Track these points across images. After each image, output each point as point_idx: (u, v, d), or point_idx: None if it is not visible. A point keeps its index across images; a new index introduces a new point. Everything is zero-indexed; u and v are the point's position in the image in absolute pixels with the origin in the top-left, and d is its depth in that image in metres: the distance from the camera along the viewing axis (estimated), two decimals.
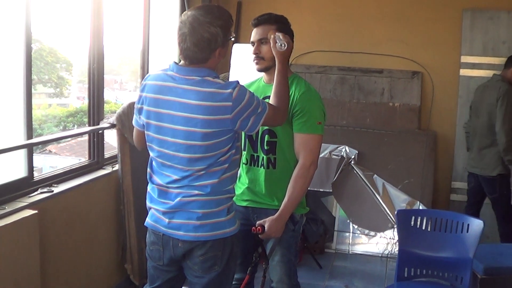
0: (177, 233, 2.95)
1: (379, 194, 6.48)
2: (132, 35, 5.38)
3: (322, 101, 3.52)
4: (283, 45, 3.31)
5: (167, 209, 2.97)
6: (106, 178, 4.77)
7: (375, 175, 6.56)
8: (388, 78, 6.90)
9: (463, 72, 6.76)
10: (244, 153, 3.66)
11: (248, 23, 3.42)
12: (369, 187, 6.50)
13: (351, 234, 6.62)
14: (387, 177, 6.57)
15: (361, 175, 6.54)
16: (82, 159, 5.03)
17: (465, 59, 6.74)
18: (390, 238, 6.48)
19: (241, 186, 3.68)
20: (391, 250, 6.44)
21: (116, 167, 4.93)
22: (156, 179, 3.03)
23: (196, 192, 2.91)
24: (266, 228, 3.38)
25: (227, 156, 2.94)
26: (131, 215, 4.92)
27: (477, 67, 6.71)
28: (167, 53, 6.24)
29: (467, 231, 4.24)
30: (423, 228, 4.41)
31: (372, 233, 6.56)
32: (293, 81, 3.50)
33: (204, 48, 2.87)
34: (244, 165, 3.66)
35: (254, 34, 3.50)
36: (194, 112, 2.82)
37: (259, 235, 3.42)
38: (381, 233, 6.53)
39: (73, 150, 5.92)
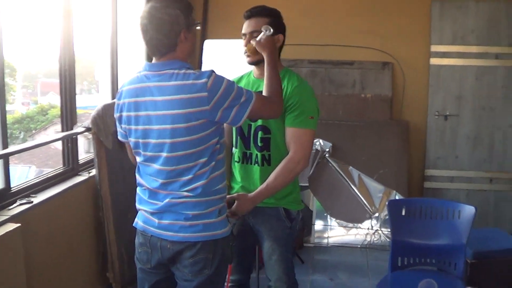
0: (166, 234, 2.89)
1: (355, 185, 6.49)
2: (82, 36, 5.22)
3: (315, 96, 3.47)
4: (267, 30, 3.25)
5: (155, 210, 2.91)
6: (83, 185, 4.67)
7: (351, 167, 6.58)
8: (359, 70, 6.90)
9: (433, 61, 6.80)
10: (236, 150, 3.59)
11: (216, 19, 3.32)
12: (345, 179, 6.51)
13: (329, 226, 6.61)
14: (362, 168, 6.58)
15: (336, 168, 6.54)
16: (32, 166, 4.91)
17: (435, 48, 6.77)
18: (368, 229, 6.50)
19: (234, 186, 3.62)
20: (371, 241, 6.46)
21: (93, 172, 4.83)
22: (145, 183, 2.97)
23: (186, 194, 2.85)
24: (235, 205, 3.32)
25: (213, 152, 2.86)
26: (110, 221, 4.83)
27: (447, 55, 6.76)
28: (135, 55, 6.14)
29: (459, 218, 4.28)
30: (415, 217, 4.44)
31: (350, 224, 6.57)
32: (285, 75, 3.44)
33: (167, 32, 2.80)
34: (236, 163, 3.60)
35: (246, 27, 3.43)
36: (170, 108, 2.75)
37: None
38: (360, 224, 6.55)
39: (20, 158, 5.76)
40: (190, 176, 2.83)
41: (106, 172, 4.77)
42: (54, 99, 5.10)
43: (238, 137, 3.55)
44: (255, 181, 3.49)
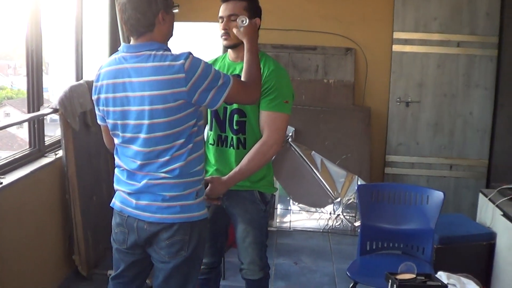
0: (144, 214, 2.90)
1: (318, 170, 6.54)
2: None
3: (290, 81, 3.49)
4: (243, 21, 3.25)
5: (133, 190, 2.92)
6: (50, 167, 4.63)
7: (313, 152, 6.62)
8: (322, 55, 6.93)
9: (396, 48, 6.87)
10: (210, 133, 3.60)
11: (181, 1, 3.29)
12: (307, 164, 6.55)
13: (291, 211, 6.66)
14: (325, 153, 6.63)
15: (299, 152, 6.58)
16: None
17: (397, 35, 6.84)
18: (330, 213, 6.56)
19: (209, 169, 3.62)
20: (332, 225, 6.53)
21: (59, 154, 4.78)
22: (123, 165, 2.97)
23: (163, 175, 2.85)
24: (209, 188, 3.33)
25: (190, 134, 2.87)
26: (77, 204, 4.80)
27: (409, 42, 6.83)
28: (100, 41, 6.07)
29: (427, 203, 4.35)
30: (384, 202, 4.50)
31: (313, 209, 6.62)
32: (261, 59, 3.43)
33: (145, 11, 2.79)
34: (211, 145, 3.60)
35: (223, 10, 3.42)
36: (148, 89, 2.75)
37: None
38: (322, 208, 6.61)
39: None
40: (167, 158, 2.84)
41: (73, 154, 4.73)
42: (2, 81, 5.00)
43: (213, 120, 3.56)
44: (231, 164, 3.51)
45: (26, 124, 4.70)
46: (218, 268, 3.99)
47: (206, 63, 2.82)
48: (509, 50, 6.65)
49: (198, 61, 2.79)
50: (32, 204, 4.31)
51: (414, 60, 6.84)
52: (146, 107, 2.77)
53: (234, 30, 3.32)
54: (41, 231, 4.48)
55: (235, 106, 3.43)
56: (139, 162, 2.88)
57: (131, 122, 2.84)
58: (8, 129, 4.49)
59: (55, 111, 4.60)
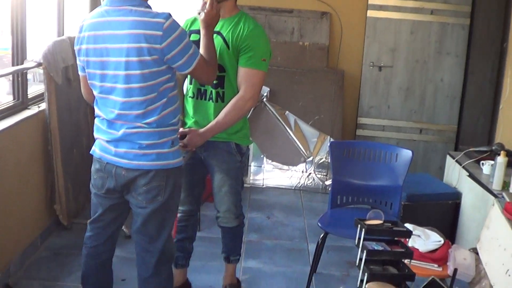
0: (121, 161, 3.07)
1: (291, 129, 6.73)
2: None
3: (268, 40, 3.65)
4: (200, 13, 3.39)
5: (112, 139, 3.09)
6: (33, 119, 4.72)
7: (287, 112, 6.81)
8: (298, 18, 7.06)
9: (370, 13, 7.00)
10: (190, 86, 3.76)
11: None
12: (281, 123, 6.74)
13: (264, 169, 6.84)
14: (299, 113, 6.83)
15: (273, 112, 6.75)
16: None
17: (372, 0, 6.97)
18: (302, 172, 6.76)
19: (187, 121, 3.80)
20: (304, 183, 6.73)
21: (42, 106, 4.89)
22: (102, 114, 3.12)
23: (139, 125, 3.02)
24: (187, 138, 3.53)
25: (164, 88, 3.03)
26: (58, 155, 4.92)
27: (384, 8, 6.97)
28: None
29: (396, 161, 4.53)
30: (354, 158, 4.67)
31: (285, 167, 6.82)
32: (240, 18, 3.62)
33: None
34: (190, 98, 3.77)
35: None
36: (126, 42, 2.90)
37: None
38: (294, 167, 6.81)
39: None
40: (142, 111, 3.00)
41: (55, 107, 4.84)
42: None
43: None
44: (209, 116, 3.68)
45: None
46: (196, 216, 4.18)
47: (183, 29, 2.99)
48: (481, 19, 6.83)
49: (176, 24, 2.95)
50: (15, 155, 4.41)
51: (388, 26, 6.99)
52: (123, 59, 2.92)
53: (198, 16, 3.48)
54: (24, 182, 4.59)
55: None
56: (116, 112, 3.04)
57: (110, 72, 3.00)
58: None
59: (38, 65, 4.71)
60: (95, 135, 3.21)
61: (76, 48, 3.13)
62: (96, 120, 3.21)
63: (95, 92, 3.13)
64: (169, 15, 2.93)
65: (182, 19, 3.22)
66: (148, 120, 3.00)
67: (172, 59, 2.95)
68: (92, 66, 3.06)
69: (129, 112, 3.01)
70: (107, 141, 3.11)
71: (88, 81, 3.15)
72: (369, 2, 6.97)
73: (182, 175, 3.29)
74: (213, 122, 3.60)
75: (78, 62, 3.19)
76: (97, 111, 3.17)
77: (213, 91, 3.65)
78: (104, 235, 3.35)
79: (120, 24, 2.92)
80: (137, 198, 3.13)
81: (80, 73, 3.25)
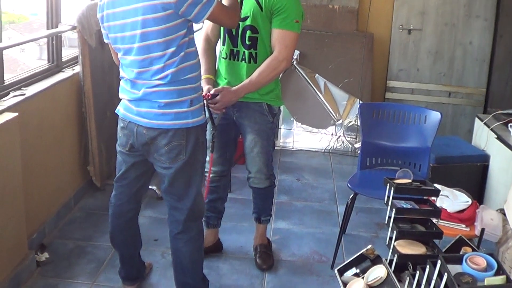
0: (142, 120, 3.18)
1: (321, 93, 6.77)
2: None
3: (300, 2, 3.70)
4: None
5: (133, 98, 3.20)
6: (68, 81, 4.82)
7: (317, 75, 6.85)
8: None
9: None
10: (223, 47, 3.83)
11: None
12: (311, 86, 6.78)
13: (294, 131, 6.91)
14: (328, 76, 6.86)
15: (303, 75, 6.79)
16: None
17: None
18: (332, 135, 6.81)
19: (220, 82, 3.87)
20: (334, 146, 6.79)
21: (76, 69, 4.99)
22: (125, 75, 3.24)
23: (157, 82, 3.10)
24: (220, 95, 3.61)
25: (181, 44, 3.09)
26: (92, 117, 5.03)
27: None
28: None
29: (425, 123, 4.57)
30: (384, 120, 4.72)
31: (315, 130, 6.88)
32: None
33: None
34: (223, 59, 3.84)
35: None
36: (141, 1, 2.99)
37: (209, 101, 3.63)
38: (324, 130, 6.88)
39: None
40: (161, 65, 3.08)
41: (89, 70, 4.94)
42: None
43: (226, 35, 3.79)
44: (241, 77, 3.76)
45: (29, 48, 4.84)
46: (228, 177, 4.27)
47: None
48: None
49: None
50: (51, 116, 4.54)
51: None
52: (139, 18, 3.01)
53: None
54: (59, 142, 4.72)
55: (248, 22, 3.66)
56: (135, 71, 3.15)
57: (127, 33, 3.09)
58: (10, 53, 4.63)
59: (73, 28, 4.80)
60: (120, 95, 3.34)
61: (98, 15, 3.24)
62: (121, 81, 3.33)
63: (119, 55, 3.25)
64: None
65: None
66: (165, 73, 3.09)
67: (187, 11, 3.01)
68: (113, 30, 3.16)
69: (148, 68, 3.10)
70: (130, 101, 3.23)
71: (112, 46, 3.26)
72: None
73: (204, 132, 3.36)
74: (246, 81, 3.68)
75: (102, 30, 3.30)
76: (121, 72, 3.29)
77: (246, 52, 3.72)
78: (128, 194, 3.48)
79: None
80: (160, 159, 3.24)
81: (105, 40, 3.35)
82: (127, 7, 3.03)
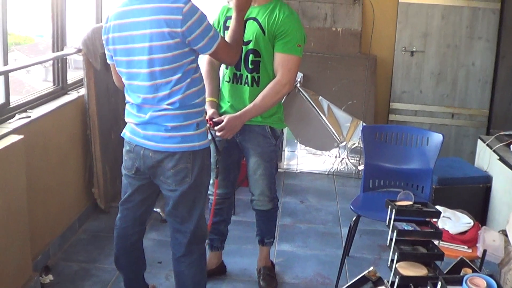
0: (149, 143, 3.20)
1: (324, 115, 6.80)
2: None
3: (302, 26, 3.75)
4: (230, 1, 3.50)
5: (140, 122, 3.23)
6: (73, 103, 4.87)
7: (320, 97, 6.87)
8: (331, 4, 7.10)
9: None
10: (226, 71, 3.88)
11: None
12: (315, 108, 6.81)
13: (298, 153, 6.93)
14: (332, 99, 6.89)
15: (307, 97, 6.82)
16: None
17: None
18: (336, 157, 6.83)
19: (223, 105, 3.91)
20: (337, 168, 6.80)
21: (81, 92, 5.03)
22: (131, 100, 3.27)
23: (165, 107, 3.14)
24: (224, 121, 3.65)
25: (187, 70, 3.14)
26: (97, 140, 5.07)
27: None
28: None
29: (427, 144, 4.59)
30: (387, 142, 4.74)
31: (319, 152, 6.90)
32: (276, 5, 3.72)
33: None
34: (226, 82, 3.88)
35: None
36: (148, 27, 3.03)
37: (213, 128, 3.68)
38: (327, 152, 6.90)
39: None
40: (167, 92, 3.12)
41: (94, 92, 4.99)
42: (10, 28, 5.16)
43: None
44: (244, 100, 3.79)
45: (34, 70, 4.88)
46: (231, 199, 4.30)
47: (202, 12, 3.10)
48: None
49: (195, 8, 3.06)
50: (56, 138, 4.57)
51: (420, 11, 7.01)
52: (147, 44, 3.05)
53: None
54: (64, 164, 4.74)
55: (250, 46, 3.71)
56: (142, 96, 3.18)
57: (135, 58, 3.13)
58: (16, 75, 4.68)
59: (78, 51, 4.86)
60: (126, 119, 3.36)
61: (104, 37, 3.27)
62: (127, 105, 3.35)
63: (123, 79, 3.28)
64: (188, 0, 3.05)
65: (203, 6, 3.31)
66: (172, 99, 3.12)
67: (194, 41, 3.05)
68: (119, 53, 3.19)
69: (155, 94, 3.13)
70: (136, 124, 3.26)
71: (117, 69, 3.30)
72: None
73: (209, 156, 3.39)
74: (250, 105, 3.72)
75: (106, 51, 3.34)
76: (126, 96, 3.32)
77: (249, 75, 3.76)
78: (133, 217, 3.49)
79: (142, 11, 3.06)
80: (166, 181, 3.26)
81: (109, 61, 3.39)
82: (135, 32, 3.07)
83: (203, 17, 3.08)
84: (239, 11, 3.48)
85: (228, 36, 3.44)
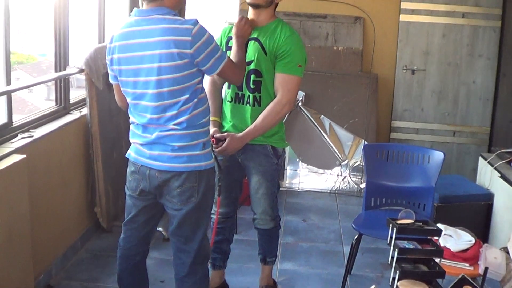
0: (155, 163, 3.20)
1: (326, 133, 6.82)
2: None
3: (303, 46, 3.77)
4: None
5: (146, 142, 3.22)
6: (75, 123, 4.88)
7: (322, 116, 6.90)
8: (332, 23, 7.16)
9: (403, 17, 7.11)
10: (228, 91, 3.90)
11: None
12: (316, 127, 6.83)
13: (300, 172, 6.94)
14: (333, 117, 6.92)
15: (308, 116, 6.85)
16: None
17: (404, 5, 7.08)
18: (338, 175, 6.84)
19: (225, 125, 3.93)
20: (339, 186, 6.81)
21: (83, 111, 5.05)
22: (136, 120, 3.27)
23: (172, 127, 3.15)
24: (226, 143, 3.65)
25: (195, 90, 3.16)
26: (99, 159, 5.08)
27: (416, 12, 7.06)
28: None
29: (428, 162, 4.62)
30: (388, 160, 4.77)
31: (321, 170, 6.91)
32: (277, 25, 3.75)
33: None
34: (228, 102, 3.90)
35: None
36: (158, 48, 3.04)
37: (214, 148, 3.67)
38: (329, 170, 6.91)
39: None
40: (175, 112, 3.13)
41: (96, 112, 5.00)
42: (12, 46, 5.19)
43: None
44: (246, 120, 3.81)
45: (37, 89, 4.92)
46: (233, 218, 4.30)
47: (210, 34, 3.12)
48: None
49: (204, 30, 3.09)
50: (58, 158, 4.57)
51: (421, 29, 7.08)
52: (156, 64, 3.06)
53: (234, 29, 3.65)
54: (66, 184, 4.74)
55: (252, 66, 3.73)
56: (149, 116, 3.18)
57: (141, 79, 3.13)
58: (18, 94, 4.72)
59: (81, 71, 4.88)
60: (131, 139, 3.36)
61: (108, 58, 3.28)
62: (132, 126, 3.35)
63: (128, 99, 3.28)
64: (197, 21, 3.08)
65: (209, 26, 3.35)
66: (179, 120, 3.13)
67: (201, 62, 3.08)
68: (124, 74, 3.20)
69: (162, 115, 3.14)
70: (142, 144, 3.25)
71: (122, 89, 3.29)
72: (402, 7, 7.07)
73: (214, 176, 3.40)
74: (251, 126, 3.73)
75: (109, 71, 3.35)
76: (131, 117, 3.32)
77: (250, 95, 3.78)
78: (137, 237, 3.48)
79: (151, 32, 3.07)
80: (171, 200, 3.26)
81: (112, 81, 3.40)
82: (143, 53, 3.08)
83: (211, 38, 3.10)
84: (238, 37, 3.57)
85: (232, 57, 3.48)
